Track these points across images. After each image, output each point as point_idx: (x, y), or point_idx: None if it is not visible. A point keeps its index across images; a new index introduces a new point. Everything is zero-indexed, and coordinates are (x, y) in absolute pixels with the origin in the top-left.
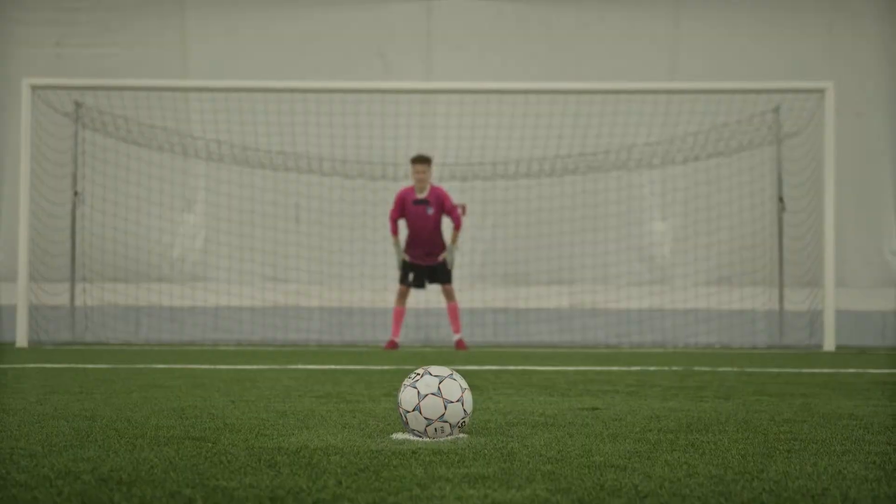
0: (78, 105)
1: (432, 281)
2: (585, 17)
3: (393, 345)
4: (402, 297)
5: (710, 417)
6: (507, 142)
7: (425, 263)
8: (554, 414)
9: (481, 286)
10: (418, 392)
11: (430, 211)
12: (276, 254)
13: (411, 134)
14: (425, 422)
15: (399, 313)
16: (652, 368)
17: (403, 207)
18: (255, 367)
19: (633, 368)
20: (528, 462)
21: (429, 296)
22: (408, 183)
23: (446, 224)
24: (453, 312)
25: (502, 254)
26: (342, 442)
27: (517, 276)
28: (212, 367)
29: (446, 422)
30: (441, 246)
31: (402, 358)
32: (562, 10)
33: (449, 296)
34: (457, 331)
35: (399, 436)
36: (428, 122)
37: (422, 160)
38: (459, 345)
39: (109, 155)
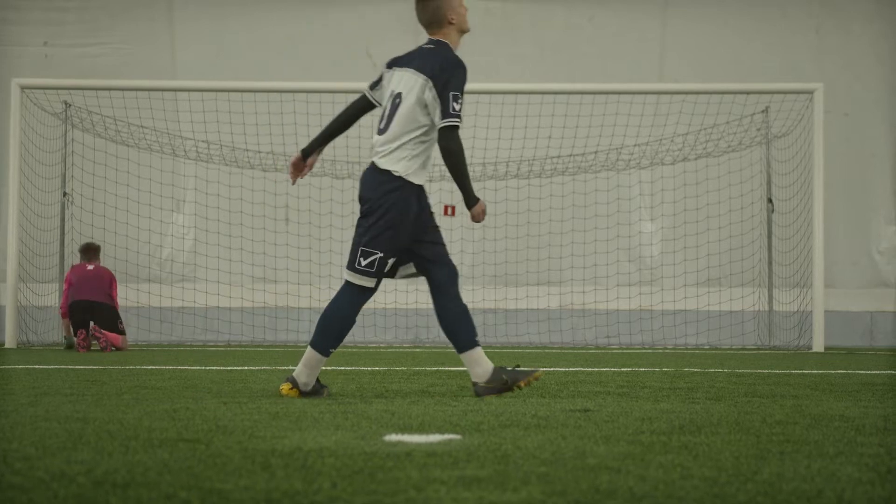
0: (67, 105)
1: None
2: (574, 19)
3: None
4: None
5: (702, 419)
6: (496, 142)
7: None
8: (546, 415)
9: (471, 286)
10: None
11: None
12: (266, 254)
13: None
14: None
15: None
16: (642, 369)
17: None
18: (245, 368)
19: (624, 370)
20: (523, 464)
21: (419, 296)
22: None
23: None
24: None
25: (492, 254)
26: (336, 444)
27: (507, 276)
28: (202, 368)
29: None
30: None
31: (394, 359)
32: (551, 10)
33: None
34: None
35: (392, 437)
36: None
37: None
38: None
39: (98, 155)
